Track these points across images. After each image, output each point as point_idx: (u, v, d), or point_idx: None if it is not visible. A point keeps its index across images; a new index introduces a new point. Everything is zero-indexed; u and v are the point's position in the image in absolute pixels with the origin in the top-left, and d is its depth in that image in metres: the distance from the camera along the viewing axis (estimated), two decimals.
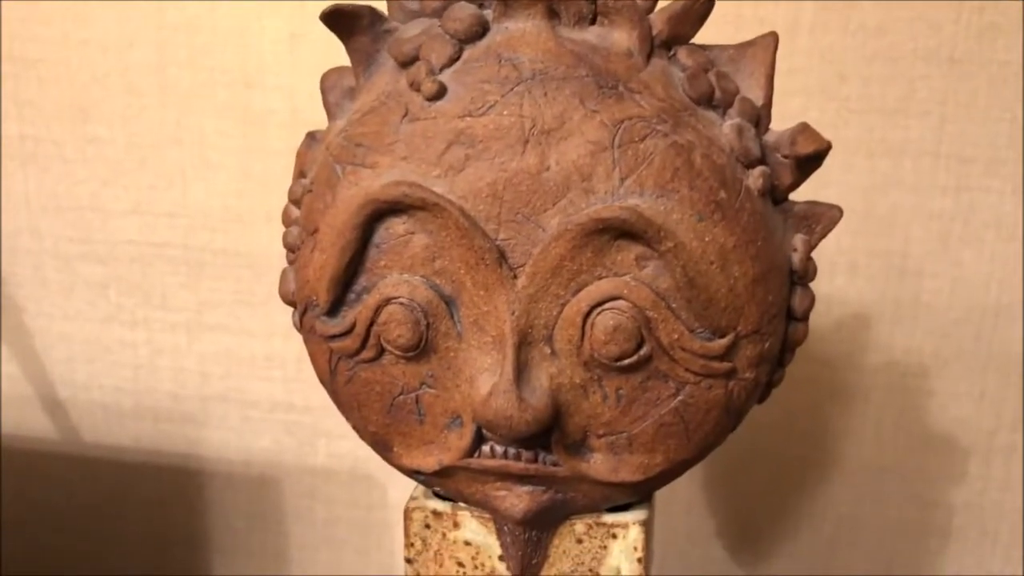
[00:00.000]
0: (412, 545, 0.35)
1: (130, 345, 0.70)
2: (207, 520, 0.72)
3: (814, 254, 0.33)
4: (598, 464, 0.32)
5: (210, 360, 0.69)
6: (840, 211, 0.33)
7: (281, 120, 0.64)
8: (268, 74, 0.63)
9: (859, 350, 0.61)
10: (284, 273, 0.35)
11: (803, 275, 0.32)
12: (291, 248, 0.35)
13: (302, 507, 0.71)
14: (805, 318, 0.33)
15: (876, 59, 0.56)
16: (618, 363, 0.30)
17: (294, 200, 0.35)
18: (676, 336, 0.30)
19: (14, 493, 0.73)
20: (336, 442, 0.69)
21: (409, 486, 0.37)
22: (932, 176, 0.58)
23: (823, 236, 0.33)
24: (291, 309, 0.67)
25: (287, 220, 0.35)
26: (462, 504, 0.35)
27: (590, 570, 0.34)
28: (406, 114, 0.30)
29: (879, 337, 0.60)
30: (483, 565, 0.35)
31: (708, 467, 0.64)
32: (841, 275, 0.60)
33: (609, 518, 0.34)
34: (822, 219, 0.33)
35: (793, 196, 0.33)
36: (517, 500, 0.33)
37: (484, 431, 0.32)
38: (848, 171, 0.58)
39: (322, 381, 0.35)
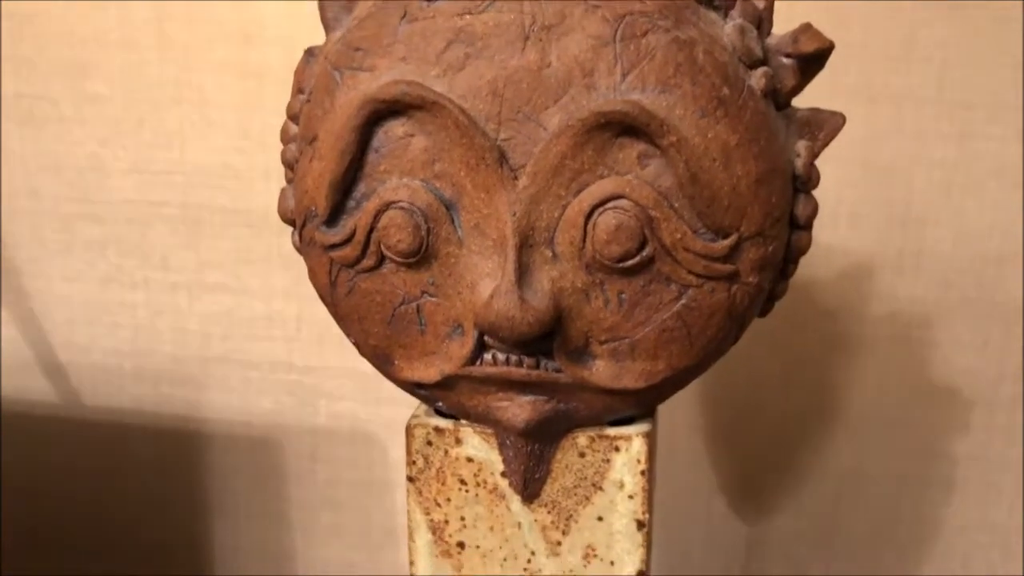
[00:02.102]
0: (414, 463, 0.35)
1: (129, 306, 0.70)
2: (207, 482, 0.72)
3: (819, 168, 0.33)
4: (600, 371, 0.32)
5: (210, 321, 0.69)
6: (843, 118, 0.33)
7: (280, 76, 0.63)
8: (267, 29, 0.63)
9: (861, 301, 0.60)
10: (283, 192, 0.35)
11: (806, 181, 0.32)
12: (289, 165, 0.35)
13: (303, 468, 0.71)
14: (808, 226, 0.33)
15: (877, 5, 0.56)
16: (620, 264, 0.30)
17: (292, 116, 0.35)
18: (679, 236, 0.30)
19: (14, 457, 0.72)
20: (337, 403, 0.69)
21: None
22: (934, 124, 0.57)
23: (826, 144, 0.33)
24: (291, 267, 0.67)
25: (285, 137, 0.35)
26: (464, 421, 0.35)
27: (593, 484, 0.34)
28: (404, 15, 0.30)
29: (881, 287, 0.60)
30: (485, 482, 0.35)
31: (710, 421, 0.64)
32: (843, 225, 0.59)
33: (612, 431, 0.34)
34: (825, 126, 0.32)
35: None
36: (519, 410, 0.32)
37: (486, 338, 0.31)
38: (849, 119, 0.57)
39: (322, 295, 0.34)
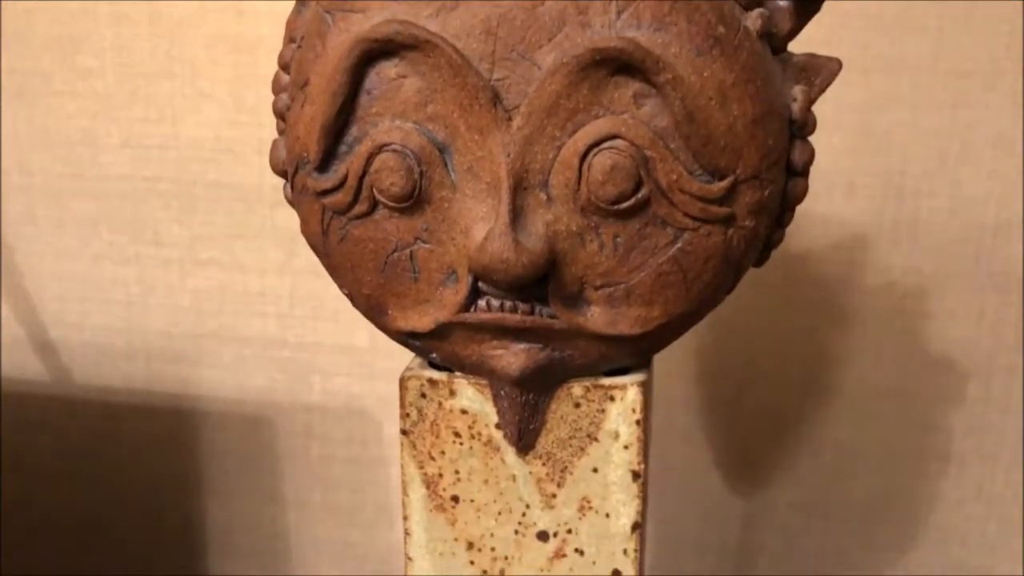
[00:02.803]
0: (408, 416, 0.35)
1: (122, 283, 0.70)
2: (200, 460, 0.71)
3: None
4: (596, 317, 0.31)
5: (203, 297, 0.69)
6: (839, 64, 0.33)
7: (273, 47, 0.62)
8: (259, 2, 0.62)
9: (857, 272, 0.60)
10: (275, 143, 0.35)
11: (803, 126, 0.32)
12: (281, 115, 0.34)
13: (296, 445, 0.70)
14: (805, 173, 0.33)
15: None
16: (615, 207, 0.30)
17: (283, 65, 0.34)
18: (675, 177, 0.29)
19: (3, 436, 0.72)
20: (330, 379, 0.69)
21: None
22: (929, 92, 0.57)
23: (822, 90, 0.32)
24: (284, 242, 0.67)
25: (276, 88, 0.35)
26: (458, 373, 0.34)
27: (588, 435, 0.34)
28: None
29: (877, 258, 0.60)
30: (480, 434, 0.34)
31: (705, 396, 0.64)
32: (838, 195, 0.59)
33: (607, 381, 0.34)
34: (821, 71, 0.32)
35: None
36: (513, 358, 0.32)
37: (480, 283, 0.31)
38: (844, 89, 0.57)
39: (314, 246, 0.34)
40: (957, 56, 0.56)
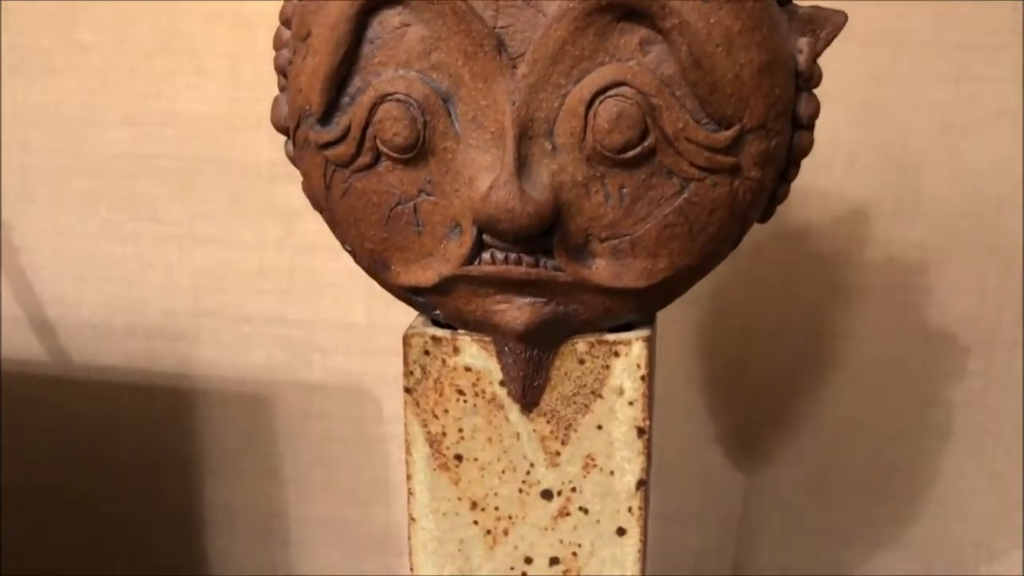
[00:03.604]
0: (411, 374, 0.35)
1: (120, 260, 0.69)
2: (199, 440, 0.71)
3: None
4: (601, 270, 0.31)
5: (202, 274, 0.68)
6: (845, 16, 0.32)
7: (272, 22, 0.62)
8: None
9: (858, 246, 0.60)
10: (276, 100, 0.35)
11: (808, 78, 0.32)
12: (282, 71, 0.34)
13: (296, 424, 0.70)
14: (811, 126, 0.32)
15: None
16: (621, 155, 0.29)
17: (284, 20, 0.34)
18: (681, 125, 0.29)
19: (3, 416, 0.72)
20: (330, 357, 0.68)
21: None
22: (932, 65, 0.57)
23: (828, 43, 0.32)
24: (283, 219, 0.66)
25: (278, 44, 0.35)
26: (462, 330, 0.34)
27: (592, 392, 0.34)
28: None
29: (879, 233, 0.60)
30: (484, 392, 0.34)
31: (706, 372, 0.64)
32: (839, 169, 0.59)
33: (611, 336, 0.33)
34: (827, 24, 0.32)
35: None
36: (518, 312, 0.32)
37: (484, 235, 0.31)
38: (846, 62, 0.57)
39: (316, 201, 0.34)
40: (959, 29, 0.56)
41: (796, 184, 0.57)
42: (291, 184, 0.66)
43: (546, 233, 0.30)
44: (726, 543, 0.66)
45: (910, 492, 0.63)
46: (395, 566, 0.71)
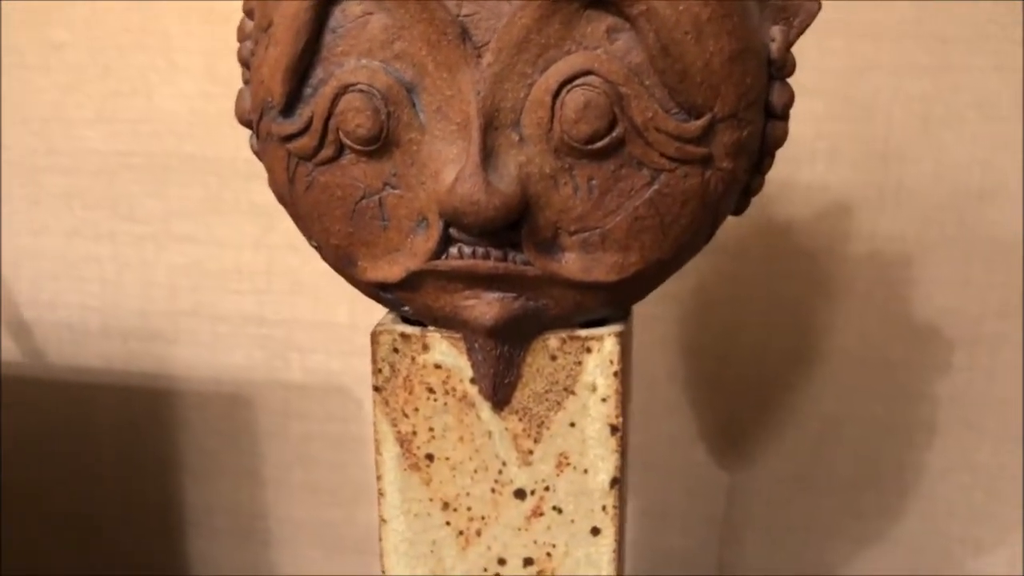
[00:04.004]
0: (380, 371, 0.34)
1: (96, 260, 0.68)
2: (178, 440, 0.70)
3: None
4: (571, 263, 0.31)
5: (179, 273, 0.68)
6: (818, 5, 0.32)
7: None
8: None
9: (841, 240, 0.60)
10: (240, 93, 0.34)
11: (781, 67, 0.31)
12: (245, 63, 0.33)
13: (275, 424, 0.69)
14: (785, 116, 0.32)
15: None
16: (589, 146, 0.29)
17: (247, 11, 0.33)
18: (650, 115, 0.28)
19: None
20: (309, 356, 0.68)
21: None
22: (912, 57, 0.56)
23: (801, 31, 0.32)
24: (261, 217, 0.65)
25: (241, 35, 0.34)
26: (431, 328, 0.33)
27: (565, 388, 0.33)
28: None
29: (861, 226, 0.59)
30: (454, 390, 0.34)
31: (690, 369, 0.63)
32: (821, 162, 0.59)
33: (583, 332, 0.33)
34: (800, 11, 0.31)
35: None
36: (487, 308, 0.31)
37: (451, 230, 0.30)
38: (826, 54, 0.57)
39: (280, 196, 0.33)
40: (940, 20, 0.56)
41: (777, 178, 0.56)
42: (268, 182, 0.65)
43: (514, 226, 0.30)
44: (710, 541, 0.66)
45: (895, 487, 0.63)
46: (377, 567, 0.70)
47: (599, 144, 0.29)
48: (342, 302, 0.66)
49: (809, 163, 0.59)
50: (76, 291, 0.69)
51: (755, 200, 0.60)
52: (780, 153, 0.59)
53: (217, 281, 0.67)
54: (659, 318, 0.62)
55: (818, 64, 0.57)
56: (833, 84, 0.57)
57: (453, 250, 0.30)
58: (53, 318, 0.70)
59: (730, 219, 0.60)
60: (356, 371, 0.67)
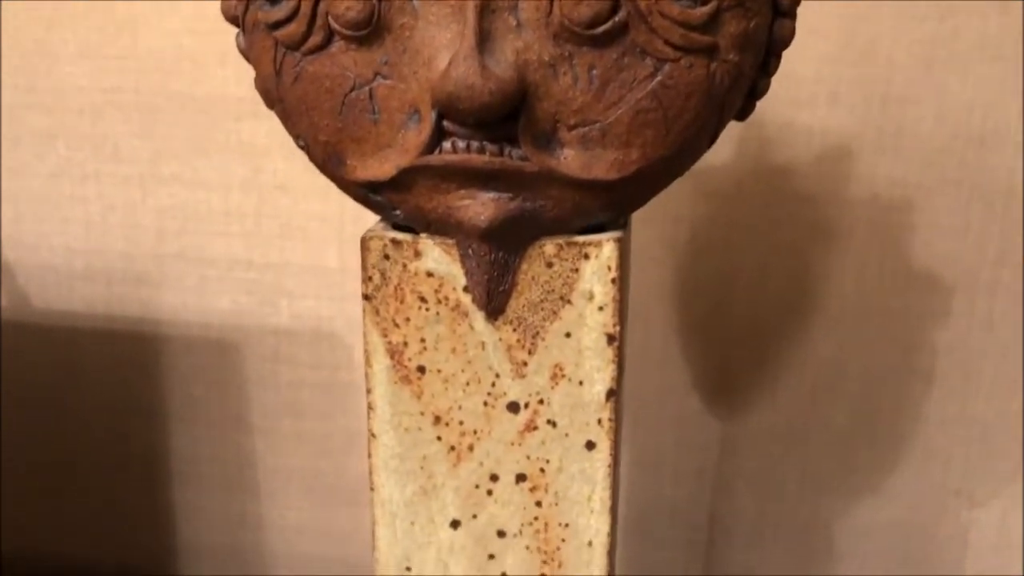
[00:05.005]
0: (370, 279, 0.33)
1: (80, 201, 0.67)
2: (164, 387, 0.69)
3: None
4: (569, 160, 0.29)
5: (165, 215, 0.66)
6: None
7: None
8: None
9: (841, 184, 0.59)
10: None
11: None
12: None
13: (264, 371, 0.68)
14: (792, 14, 0.31)
15: None
16: (590, 31, 0.28)
17: None
18: None
19: None
20: (298, 301, 0.66)
21: None
22: None
23: None
24: (249, 157, 0.64)
25: None
26: (424, 234, 0.32)
27: (561, 297, 0.32)
28: None
29: (861, 170, 0.58)
30: (447, 299, 0.32)
31: (684, 317, 0.62)
32: (822, 105, 0.57)
33: (581, 238, 0.32)
34: None
35: None
36: (482, 208, 0.30)
37: (444, 123, 0.29)
38: None
39: (268, 94, 0.32)
40: None
41: (777, 121, 0.55)
42: (258, 121, 0.64)
43: (511, 118, 0.28)
44: (702, 492, 0.65)
45: (891, 438, 0.62)
46: (368, 518, 0.69)
47: (601, 29, 0.27)
48: (333, 246, 0.64)
49: (810, 106, 0.57)
50: (60, 233, 0.68)
51: (753, 143, 0.59)
52: (780, 96, 0.58)
53: (205, 223, 0.66)
54: (654, 264, 0.61)
55: (820, 6, 0.55)
56: (835, 26, 0.56)
57: (447, 144, 0.29)
58: (37, 261, 0.69)
59: (727, 162, 0.59)
60: (347, 317, 0.66)
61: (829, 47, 0.57)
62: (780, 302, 0.61)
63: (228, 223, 0.65)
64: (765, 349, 0.62)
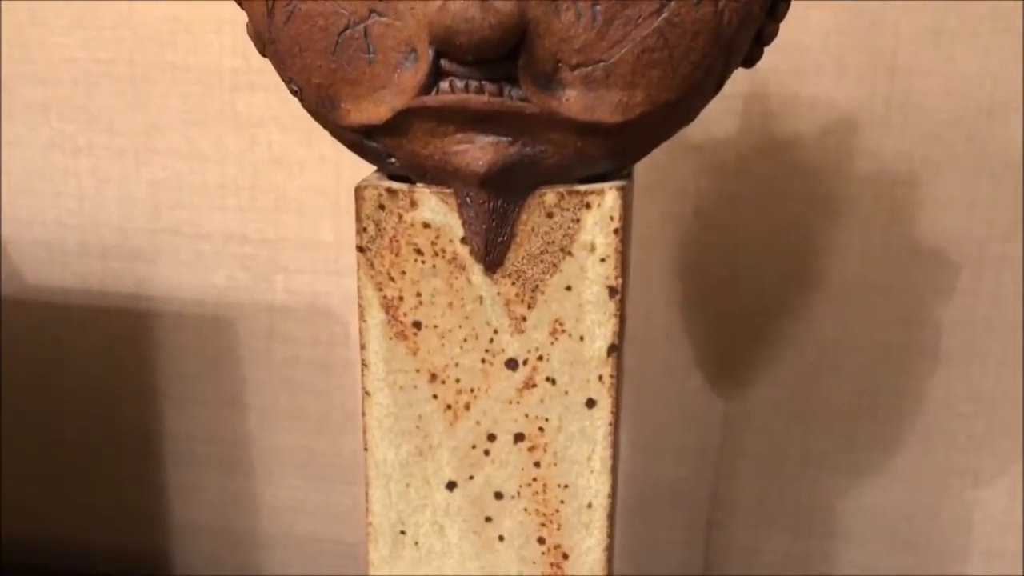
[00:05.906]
0: (365, 230, 0.32)
1: (73, 174, 0.66)
2: (157, 364, 0.68)
3: None
4: (571, 101, 0.28)
5: (160, 189, 0.65)
6: None
7: None
8: None
9: (846, 157, 0.58)
10: None
11: None
12: None
13: (258, 347, 0.67)
14: None
15: None
16: None
17: None
18: None
19: None
20: (294, 276, 0.65)
21: None
22: None
23: None
24: (245, 129, 0.63)
25: None
26: (420, 184, 0.31)
27: (561, 249, 0.31)
28: None
29: (866, 143, 0.57)
30: (444, 251, 0.31)
31: (687, 293, 0.61)
32: (827, 76, 0.56)
33: (582, 187, 0.31)
34: None
35: None
36: (480, 153, 0.29)
37: (442, 62, 0.28)
38: None
39: (260, 37, 0.31)
40: None
41: (781, 92, 0.54)
42: (254, 93, 0.63)
43: (511, 56, 0.27)
44: (704, 471, 0.64)
45: (895, 416, 0.61)
46: (363, 496, 0.68)
47: None
48: (329, 220, 0.63)
49: (815, 76, 0.56)
50: (52, 207, 0.67)
51: (757, 116, 0.58)
52: (784, 66, 0.57)
53: (199, 198, 0.65)
54: (654, 240, 0.60)
55: None
56: None
57: (444, 84, 0.28)
58: (29, 235, 0.68)
59: (731, 136, 0.58)
60: (344, 293, 0.65)
61: (836, 17, 0.56)
62: (782, 278, 0.60)
63: (224, 197, 0.65)
64: (768, 325, 0.61)
